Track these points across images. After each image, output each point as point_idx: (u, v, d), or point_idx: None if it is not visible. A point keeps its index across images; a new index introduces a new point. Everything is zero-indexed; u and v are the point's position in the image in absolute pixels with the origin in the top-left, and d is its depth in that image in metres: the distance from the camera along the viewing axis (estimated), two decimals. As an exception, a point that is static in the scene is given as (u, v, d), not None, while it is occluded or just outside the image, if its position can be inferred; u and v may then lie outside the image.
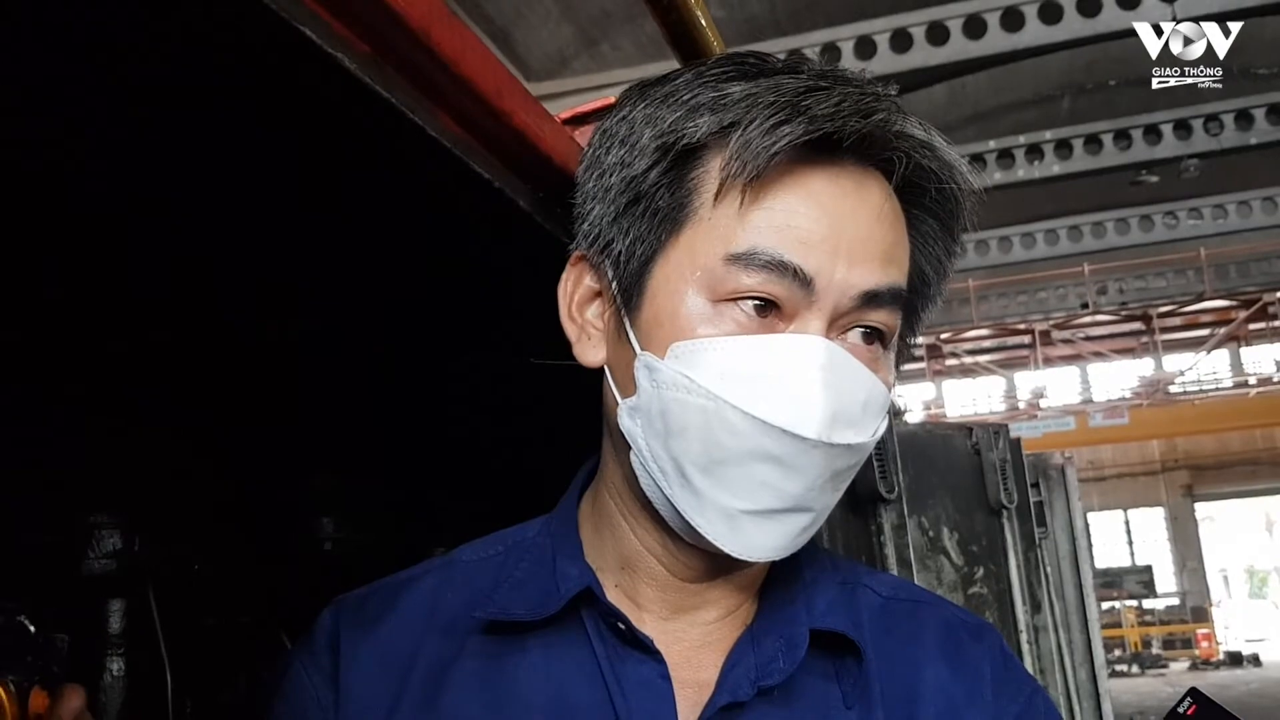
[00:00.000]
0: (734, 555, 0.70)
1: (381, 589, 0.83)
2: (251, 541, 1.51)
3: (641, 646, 0.73)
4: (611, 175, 0.74)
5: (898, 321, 0.73)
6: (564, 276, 0.79)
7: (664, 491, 0.71)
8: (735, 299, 0.68)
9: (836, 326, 0.70)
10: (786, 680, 0.72)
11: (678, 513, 0.71)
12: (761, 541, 0.69)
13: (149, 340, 1.16)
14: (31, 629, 0.56)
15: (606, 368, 0.76)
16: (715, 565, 0.75)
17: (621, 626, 0.73)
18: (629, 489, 0.76)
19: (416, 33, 0.65)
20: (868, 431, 0.71)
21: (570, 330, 0.78)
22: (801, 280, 0.67)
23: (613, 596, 0.76)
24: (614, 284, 0.74)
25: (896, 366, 0.77)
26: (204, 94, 0.68)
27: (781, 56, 0.75)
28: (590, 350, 0.77)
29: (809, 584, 0.78)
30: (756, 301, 0.68)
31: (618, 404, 0.74)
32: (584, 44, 12.95)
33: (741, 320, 0.68)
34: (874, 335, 0.72)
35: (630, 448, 0.73)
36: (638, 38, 12.88)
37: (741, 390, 0.67)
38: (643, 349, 0.71)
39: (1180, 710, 0.73)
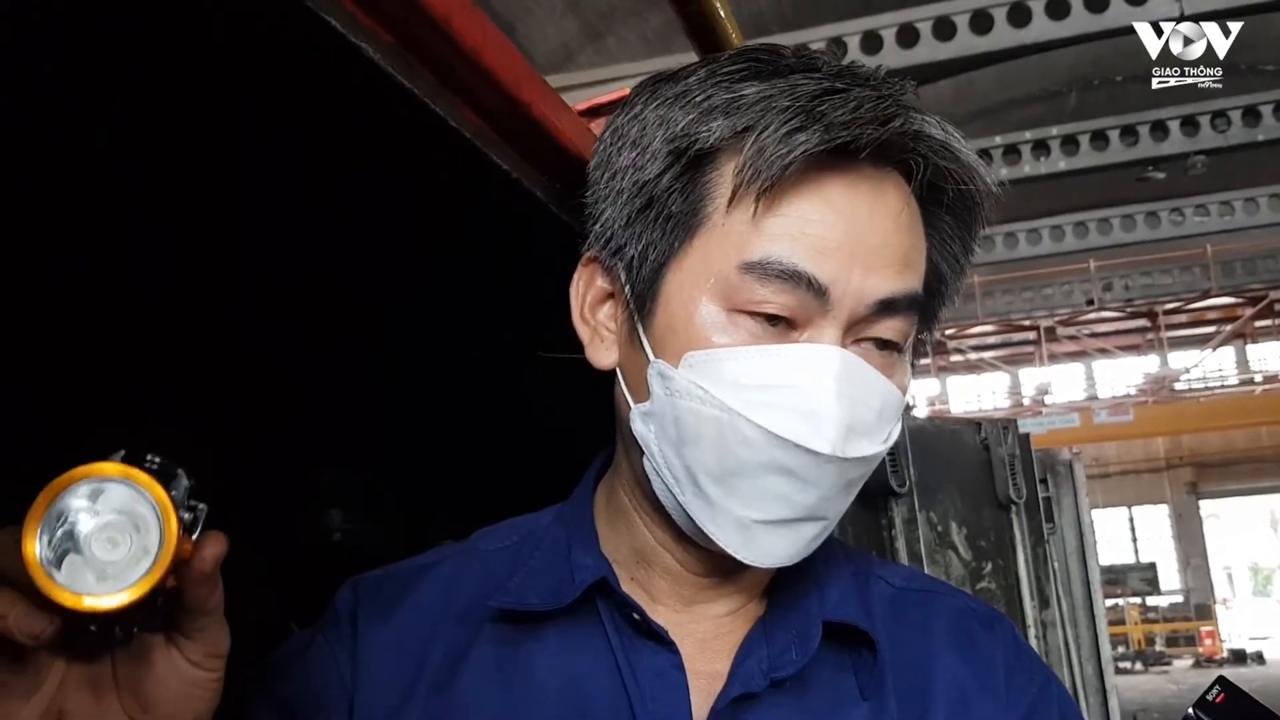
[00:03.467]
0: (746, 562, 0.70)
1: (398, 573, 0.83)
2: (259, 533, 1.51)
3: (656, 637, 0.73)
4: (623, 178, 0.73)
5: (913, 326, 0.72)
6: (576, 277, 0.79)
7: (677, 498, 0.71)
8: (749, 310, 0.67)
9: (852, 333, 0.69)
10: (800, 671, 0.72)
11: (690, 519, 0.71)
12: (774, 549, 0.70)
13: (156, 335, 1.16)
14: (188, 483, 0.56)
15: (619, 370, 0.76)
16: (728, 563, 0.75)
17: (636, 617, 0.73)
18: (640, 488, 0.76)
19: (438, 22, 0.65)
20: (881, 439, 0.71)
21: (583, 332, 0.78)
22: (816, 290, 0.66)
23: (627, 588, 0.76)
24: (627, 289, 0.73)
25: (915, 358, 0.76)
26: (225, 84, 0.68)
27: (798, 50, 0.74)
28: (603, 352, 0.76)
29: (821, 576, 0.78)
30: (771, 310, 0.67)
31: (630, 407, 0.73)
32: (589, 38, 12.94)
33: (755, 330, 0.67)
34: (890, 341, 0.71)
35: (643, 451, 0.73)
36: (643, 31, 12.87)
37: (756, 402, 0.66)
38: (656, 356, 0.70)
39: (1209, 698, 0.73)
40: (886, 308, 0.69)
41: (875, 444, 0.69)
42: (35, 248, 0.93)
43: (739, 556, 0.70)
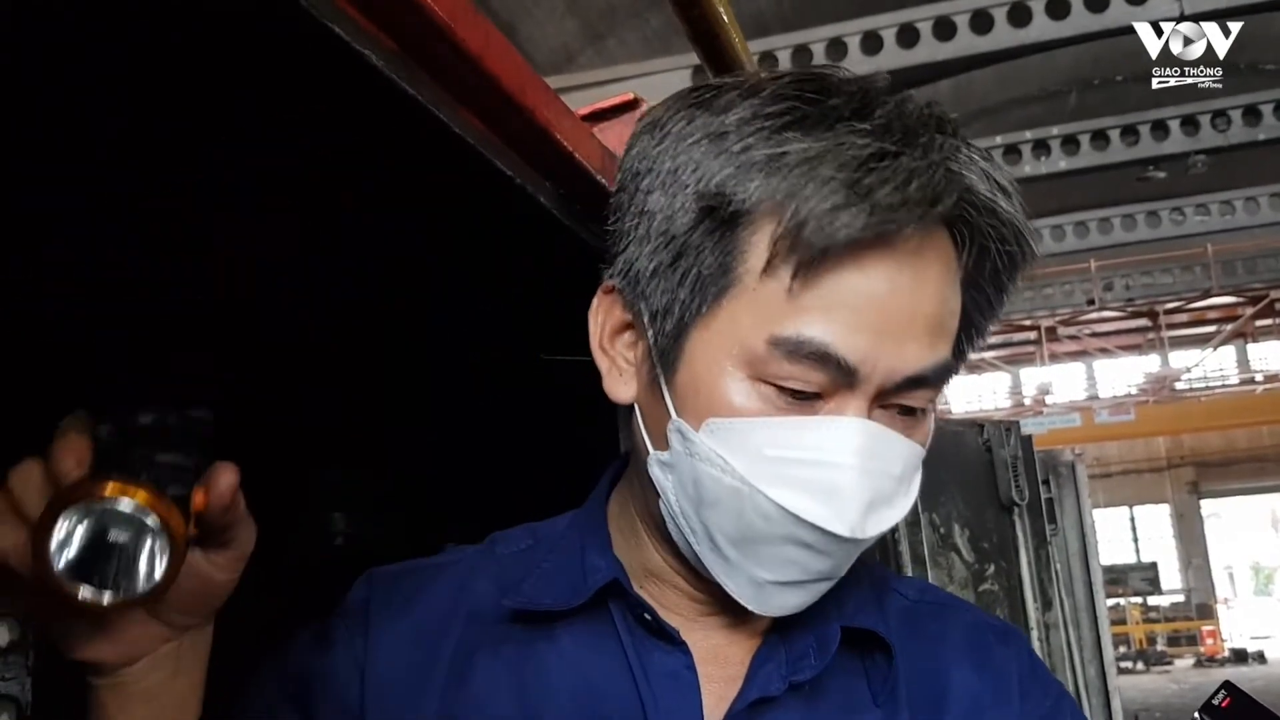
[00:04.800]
0: (757, 612, 0.70)
1: (414, 569, 0.83)
2: (261, 537, 1.51)
3: (668, 638, 0.73)
4: (652, 221, 0.69)
5: (939, 392, 0.70)
6: (595, 305, 0.76)
7: (694, 547, 0.71)
8: (774, 381, 0.65)
9: (878, 399, 0.67)
10: (816, 677, 0.72)
11: (705, 568, 0.71)
12: (786, 603, 0.70)
13: (155, 336, 1.16)
14: (191, 419, 0.58)
15: (637, 408, 0.74)
16: None
17: (648, 618, 0.73)
18: (653, 519, 0.76)
19: (441, 28, 0.65)
20: (902, 506, 0.70)
21: (601, 362, 0.76)
22: (845, 370, 0.64)
23: (641, 593, 0.76)
24: (650, 335, 0.71)
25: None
26: (227, 90, 0.68)
27: (850, 73, 0.69)
28: (621, 386, 0.75)
29: (838, 585, 0.78)
30: (796, 387, 0.65)
31: (649, 451, 0.72)
32: (589, 39, 12.95)
33: (779, 402, 0.65)
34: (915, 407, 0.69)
35: (659, 494, 0.72)
36: (643, 33, 12.88)
37: (776, 477, 0.65)
38: (678, 413, 0.69)
39: (1215, 702, 0.73)
40: (916, 382, 0.67)
41: (896, 513, 0.69)
42: (33, 249, 0.93)
43: (750, 608, 0.70)
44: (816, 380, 0.65)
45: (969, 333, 0.74)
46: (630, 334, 0.75)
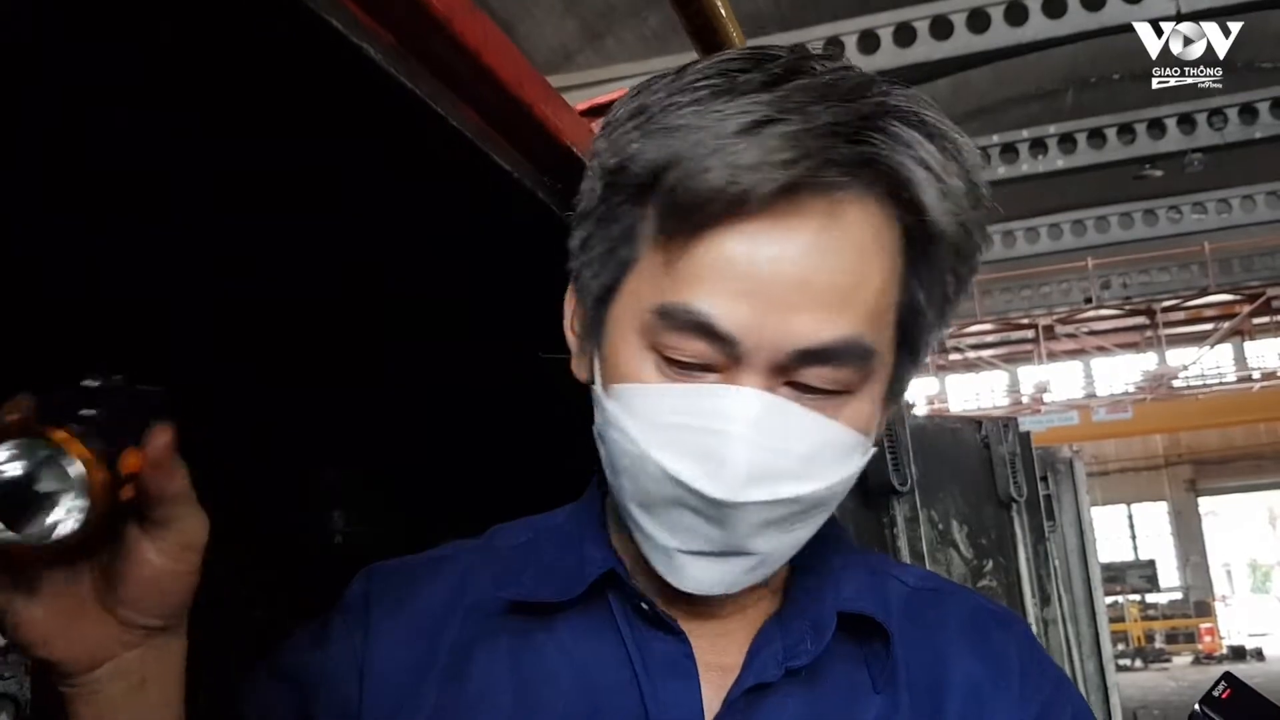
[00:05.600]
0: (678, 588, 0.70)
1: (414, 563, 0.83)
2: (261, 535, 1.51)
3: (666, 627, 0.73)
4: (580, 202, 0.71)
5: (860, 374, 0.66)
6: (568, 292, 0.78)
7: (626, 522, 0.72)
8: (664, 353, 0.65)
9: (783, 375, 0.65)
10: (814, 663, 0.72)
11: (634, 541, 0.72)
12: (702, 578, 0.69)
13: (154, 335, 1.16)
14: (122, 386, 0.56)
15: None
16: None
17: (645, 607, 0.74)
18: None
19: (440, 23, 0.65)
20: (817, 481, 0.66)
21: (571, 344, 0.77)
22: (727, 341, 0.63)
23: (636, 582, 0.77)
24: (582, 314, 0.73)
25: (902, 387, 0.73)
26: (224, 84, 0.68)
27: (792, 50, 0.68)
28: (581, 367, 0.76)
29: (837, 570, 0.78)
30: (681, 358, 0.65)
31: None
32: (588, 38, 12.96)
33: (670, 373, 0.65)
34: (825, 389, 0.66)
35: None
36: (642, 32, 12.89)
37: (663, 441, 0.65)
38: (600, 382, 0.70)
39: (1215, 694, 0.73)
40: (812, 357, 0.64)
41: (804, 485, 0.66)
42: (36, 247, 0.93)
43: (670, 581, 0.70)
44: (699, 351, 0.64)
45: (916, 323, 0.70)
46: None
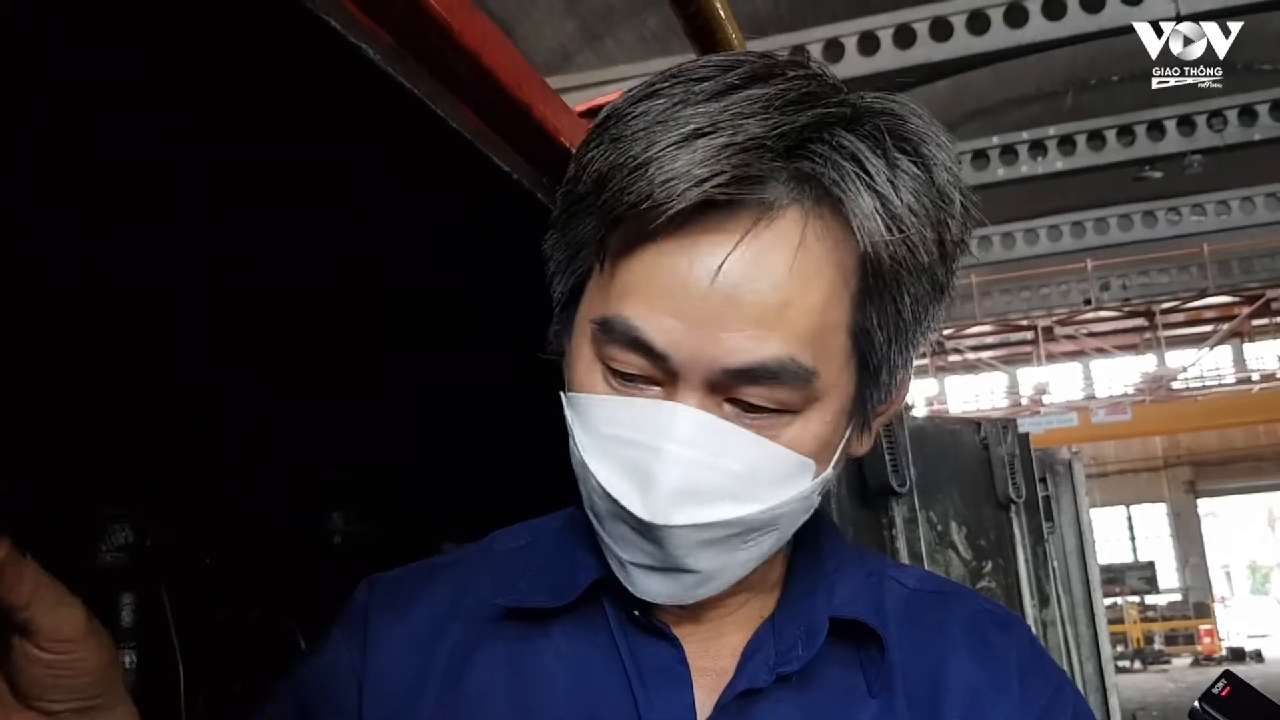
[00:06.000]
0: (638, 595, 0.69)
1: (414, 571, 0.84)
2: (261, 536, 1.51)
3: (659, 633, 0.74)
4: (559, 203, 0.71)
5: (801, 394, 0.64)
6: None
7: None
8: (606, 364, 0.65)
9: (723, 391, 0.64)
10: (806, 668, 0.72)
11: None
12: (656, 590, 0.68)
13: (157, 332, 1.16)
14: None
15: None
16: None
17: (637, 613, 0.74)
18: None
19: (439, 23, 0.65)
20: (756, 504, 0.65)
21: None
22: (657, 356, 0.62)
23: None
24: (558, 324, 0.74)
25: (868, 406, 0.70)
26: (222, 84, 0.68)
27: (784, 54, 0.67)
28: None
29: (831, 574, 0.78)
30: (621, 369, 0.64)
31: None
32: (587, 39, 12.96)
33: (614, 384, 0.65)
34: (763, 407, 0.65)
35: None
36: (641, 33, 12.89)
37: (603, 453, 0.65)
38: (566, 388, 0.71)
39: (1215, 692, 0.73)
40: (745, 376, 0.62)
41: (742, 507, 0.64)
42: (38, 246, 0.93)
43: (629, 588, 0.69)
44: (635, 364, 0.64)
45: (870, 344, 0.67)
46: None
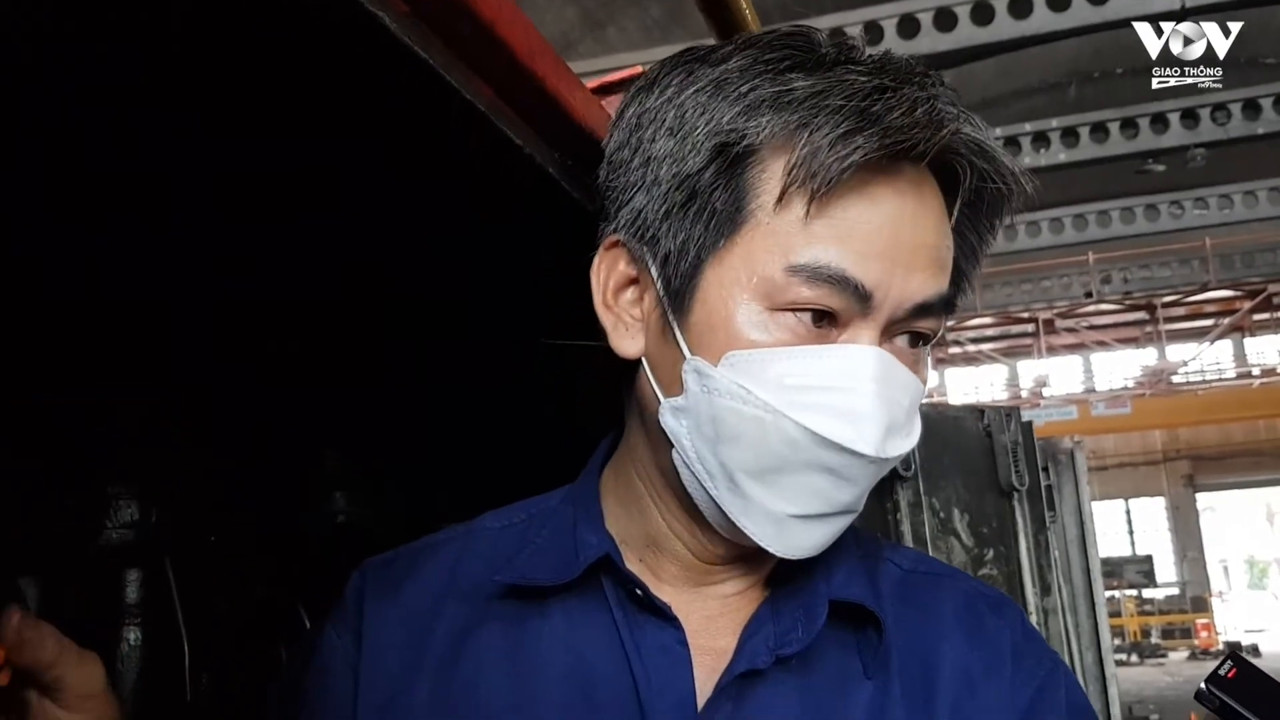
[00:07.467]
0: (775, 554, 0.70)
1: (406, 554, 0.84)
2: (264, 516, 1.51)
3: (659, 613, 0.74)
4: (661, 167, 0.71)
5: (943, 323, 0.73)
6: (597, 262, 0.77)
7: (709, 493, 0.71)
8: (793, 309, 0.67)
9: (887, 331, 0.70)
10: (805, 649, 0.72)
11: (722, 513, 0.71)
12: (805, 541, 0.70)
13: (153, 327, 1.16)
14: None
15: (645, 361, 0.75)
16: (742, 551, 0.75)
17: (639, 593, 0.74)
18: (663, 478, 0.76)
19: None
20: (913, 436, 0.72)
21: (605, 319, 0.76)
22: (861, 295, 0.67)
23: (634, 567, 0.77)
24: (659, 282, 0.72)
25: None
26: (234, 52, 0.67)
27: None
28: (627, 341, 0.75)
29: (830, 557, 0.78)
30: (815, 313, 0.67)
31: (660, 401, 0.72)
32: (589, 27, 12.93)
33: (798, 330, 0.67)
34: (919, 337, 0.72)
35: (671, 444, 0.72)
36: (643, 21, 12.85)
37: (799, 404, 0.66)
38: (692, 353, 0.70)
39: (1221, 673, 0.73)
40: (922, 310, 0.69)
41: (908, 441, 0.71)
42: (38, 244, 0.92)
43: (770, 549, 0.70)
44: (835, 304, 0.67)
45: (959, 271, 0.76)
46: (634, 288, 0.76)
